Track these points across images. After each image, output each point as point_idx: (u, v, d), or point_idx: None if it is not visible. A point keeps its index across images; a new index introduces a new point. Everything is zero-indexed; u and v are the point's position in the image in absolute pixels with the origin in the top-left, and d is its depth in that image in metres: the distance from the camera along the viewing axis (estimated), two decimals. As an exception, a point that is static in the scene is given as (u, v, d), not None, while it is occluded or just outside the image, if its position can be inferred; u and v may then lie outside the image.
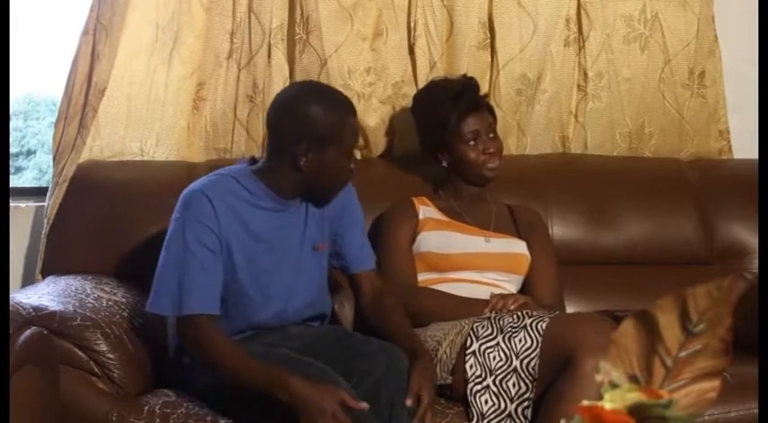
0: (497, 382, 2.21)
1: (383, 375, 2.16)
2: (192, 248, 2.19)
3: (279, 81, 2.94)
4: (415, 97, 2.89)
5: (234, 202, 2.26)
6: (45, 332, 2.13)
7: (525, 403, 2.18)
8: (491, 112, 2.77)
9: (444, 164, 2.73)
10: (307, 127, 2.25)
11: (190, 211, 2.22)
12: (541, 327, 2.22)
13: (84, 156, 2.88)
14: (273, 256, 2.31)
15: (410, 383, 2.17)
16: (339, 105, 2.31)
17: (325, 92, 2.42)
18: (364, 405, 2.05)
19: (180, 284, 2.19)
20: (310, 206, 2.38)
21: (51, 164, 2.95)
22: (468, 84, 2.76)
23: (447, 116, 2.67)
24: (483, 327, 2.29)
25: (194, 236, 2.20)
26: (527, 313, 2.30)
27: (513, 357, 2.21)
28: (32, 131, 4.81)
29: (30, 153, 4.79)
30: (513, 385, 2.19)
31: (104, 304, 2.39)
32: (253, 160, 2.40)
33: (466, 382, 2.23)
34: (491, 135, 2.71)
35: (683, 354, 0.95)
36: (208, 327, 2.19)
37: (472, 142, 2.67)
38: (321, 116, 2.25)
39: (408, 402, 2.14)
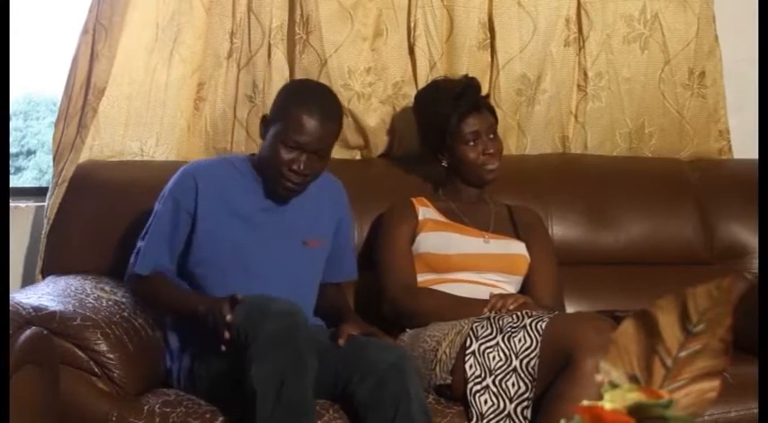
0: (497, 382, 2.21)
1: (386, 373, 2.16)
2: (160, 217, 2.39)
3: (279, 81, 2.94)
4: (417, 97, 2.89)
5: (224, 183, 2.41)
6: (45, 332, 2.13)
7: (525, 403, 2.17)
8: (492, 112, 2.77)
9: (444, 164, 2.73)
10: (275, 103, 2.44)
11: (175, 187, 2.40)
12: (541, 327, 2.22)
13: (85, 155, 2.88)
14: (255, 237, 2.39)
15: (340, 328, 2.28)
16: (308, 100, 2.36)
17: (308, 87, 2.55)
18: (241, 297, 2.14)
19: (139, 248, 2.39)
20: (303, 199, 2.43)
21: (51, 164, 2.95)
22: (470, 84, 2.76)
23: (447, 116, 2.67)
24: (482, 327, 2.29)
25: (166, 209, 2.39)
26: (527, 313, 2.30)
27: (513, 357, 2.21)
28: (32, 131, 4.82)
29: (30, 153, 4.79)
30: (513, 385, 2.19)
31: (104, 304, 2.39)
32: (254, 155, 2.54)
33: (465, 382, 2.23)
34: (491, 136, 2.71)
35: (683, 354, 0.95)
36: (149, 279, 2.38)
37: (472, 143, 2.67)
38: (286, 98, 2.40)
39: (341, 342, 2.23)
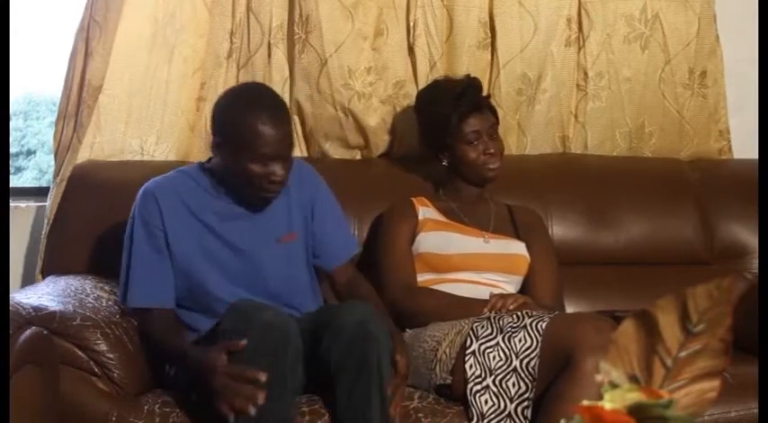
0: (497, 382, 2.21)
1: (353, 335, 2.14)
2: (137, 245, 2.33)
3: (279, 81, 2.94)
4: (418, 96, 2.89)
5: (184, 198, 2.35)
6: (45, 332, 2.13)
7: (525, 403, 2.17)
8: (493, 112, 2.77)
9: (445, 163, 2.73)
10: (222, 122, 2.31)
11: (140, 209, 2.35)
12: (541, 326, 2.22)
13: (85, 153, 2.89)
14: (228, 246, 2.36)
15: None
16: (260, 110, 2.25)
17: (255, 93, 2.38)
18: (243, 343, 2.06)
19: (127, 278, 2.34)
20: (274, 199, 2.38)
21: (52, 163, 2.96)
22: (471, 84, 2.76)
23: (448, 116, 2.67)
24: (483, 327, 2.29)
25: (139, 233, 2.34)
26: (527, 313, 2.29)
27: (513, 357, 2.21)
28: (32, 131, 4.82)
29: (30, 153, 4.80)
30: (513, 385, 2.19)
31: (104, 304, 2.39)
32: (210, 160, 2.46)
33: (466, 381, 2.23)
34: (492, 136, 2.71)
35: (683, 354, 0.95)
36: (154, 322, 2.31)
37: (473, 142, 2.67)
38: (234, 114, 2.27)
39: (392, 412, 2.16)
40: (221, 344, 2.10)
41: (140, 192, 2.37)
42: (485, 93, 2.85)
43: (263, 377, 2.02)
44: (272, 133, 2.23)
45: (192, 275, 2.35)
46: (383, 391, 2.13)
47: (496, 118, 2.77)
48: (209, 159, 2.44)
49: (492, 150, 2.68)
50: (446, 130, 2.68)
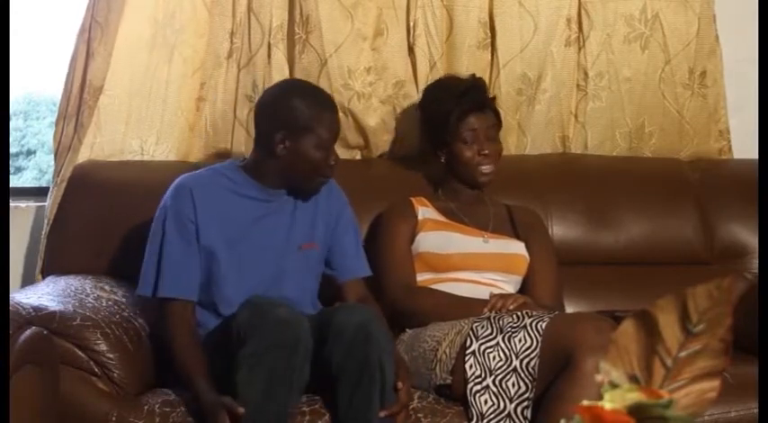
0: (497, 382, 2.21)
1: (353, 338, 2.14)
2: (170, 237, 2.35)
3: (279, 81, 2.94)
4: (423, 92, 2.89)
5: (219, 194, 2.39)
6: (45, 332, 2.13)
7: (525, 403, 2.17)
8: (496, 115, 2.76)
9: (443, 160, 2.74)
10: (284, 116, 2.38)
11: (172, 201, 2.37)
12: (541, 327, 2.22)
13: (85, 153, 2.88)
14: (253, 246, 2.39)
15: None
16: (318, 99, 2.43)
17: (306, 87, 2.55)
18: (241, 410, 2.06)
19: (158, 269, 2.35)
20: (300, 204, 2.45)
21: (52, 163, 2.96)
22: (476, 84, 2.76)
23: (449, 113, 2.67)
24: (483, 327, 2.29)
25: (173, 225, 2.35)
26: (527, 313, 2.29)
27: (513, 357, 2.21)
28: (32, 131, 4.82)
29: (30, 153, 4.79)
30: (513, 385, 2.19)
31: (104, 304, 2.39)
32: (243, 159, 2.51)
33: (465, 382, 2.23)
34: (490, 137, 2.70)
35: (683, 354, 0.95)
36: (177, 314, 2.32)
37: (470, 142, 2.67)
38: (299, 106, 2.38)
39: None
40: (227, 404, 2.08)
41: (174, 185, 2.40)
42: (492, 96, 2.84)
43: None
44: (333, 119, 2.42)
45: (212, 272, 2.37)
46: (385, 393, 2.13)
47: (499, 121, 2.76)
48: (243, 160, 2.50)
49: (486, 151, 2.67)
50: (445, 128, 2.68)
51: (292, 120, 2.37)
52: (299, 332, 2.11)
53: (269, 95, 2.50)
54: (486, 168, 2.68)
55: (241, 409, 2.05)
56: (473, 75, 2.84)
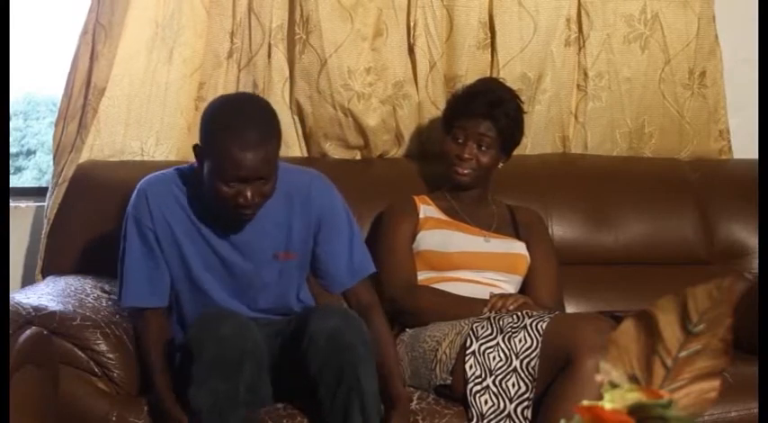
0: (497, 383, 2.21)
1: (326, 345, 2.10)
2: (129, 243, 2.29)
3: (279, 81, 2.94)
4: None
5: (181, 198, 2.28)
6: (45, 332, 2.14)
7: (525, 403, 2.17)
8: (497, 127, 2.66)
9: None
10: (201, 131, 2.20)
11: (132, 206, 2.30)
12: (541, 327, 2.22)
13: (85, 154, 2.88)
14: (221, 257, 2.29)
15: None
16: (232, 127, 2.12)
17: (233, 109, 2.19)
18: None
19: (121, 276, 2.30)
20: (267, 210, 2.23)
21: (51, 164, 2.96)
22: (490, 91, 2.71)
23: (456, 106, 2.70)
24: (483, 327, 2.29)
25: (132, 231, 2.28)
26: (527, 313, 2.30)
27: (513, 357, 2.21)
28: (32, 131, 4.82)
29: (30, 153, 4.79)
30: (513, 385, 2.19)
31: (104, 304, 2.39)
32: None
33: (465, 382, 2.23)
34: (480, 145, 2.64)
35: (683, 354, 0.95)
36: (141, 320, 2.30)
37: (458, 139, 2.67)
38: (208, 125, 2.17)
39: None
40: (174, 418, 2.13)
41: (136, 189, 2.31)
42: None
43: None
44: (248, 157, 2.08)
45: (191, 278, 2.30)
46: (365, 404, 2.07)
47: (498, 134, 2.66)
48: None
49: (466, 154, 2.64)
50: (448, 119, 2.72)
51: (203, 141, 2.17)
52: (243, 348, 2.06)
53: (209, 105, 2.26)
54: (460, 169, 2.66)
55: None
56: (502, 85, 2.78)
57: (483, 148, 2.65)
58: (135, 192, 2.31)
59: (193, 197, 2.28)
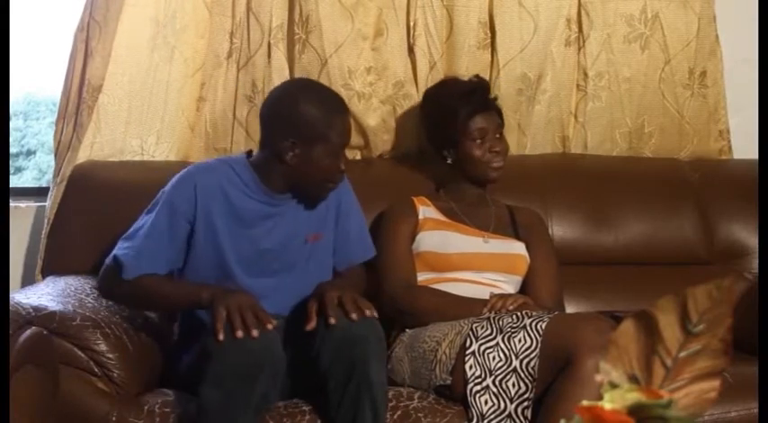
0: (497, 383, 2.21)
1: (342, 342, 2.13)
2: (156, 221, 2.31)
3: (278, 81, 2.93)
4: (426, 93, 2.89)
5: (226, 188, 2.34)
6: (45, 332, 2.13)
7: (525, 403, 2.17)
8: (500, 114, 2.78)
9: (449, 161, 2.73)
10: (294, 123, 2.31)
11: (174, 189, 2.34)
12: (541, 327, 2.22)
13: (85, 153, 2.88)
14: (257, 241, 2.36)
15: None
16: (329, 103, 2.35)
17: (316, 89, 2.46)
18: (274, 323, 2.10)
19: (133, 246, 2.31)
20: (304, 202, 2.41)
21: (52, 163, 2.96)
22: (480, 84, 2.79)
23: (457, 111, 2.68)
24: (482, 327, 2.29)
25: (163, 213, 2.32)
26: (526, 313, 2.29)
27: (513, 357, 2.21)
28: (32, 131, 4.82)
29: (30, 153, 4.80)
30: (513, 385, 2.19)
31: (104, 304, 2.39)
32: (250, 153, 2.46)
33: (465, 382, 2.23)
34: (498, 136, 2.72)
35: (683, 354, 0.95)
36: (139, 282, 2.30)
37: (479, 140, 2.68)
38: (309, 113, 2.31)
39: (308, 327, 2.17)
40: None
41: (181, 175, 2.37)
42: (494, 96, 2.85)
43: (270, 326, 2.07)
44: (345, 123, 2.35)
45: (222, 267, 2.34)
46: (375, 398, 2.10)
47: (502, 120, 2.78)
48: (249, 154, 2.44)
49: (497, 149, 2.70)
50: (454, 126, 2.69)
51: (304, 127, 2.30)
52: (264, 361, 2.07)
53: (277, 99, 2.40)
54: (496, 164, 2.70)
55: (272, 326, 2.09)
56: (477, 76, 2.85)
57: (498, 136, 2.72)
58: (182, 176, 2.36)
59: (239, 187, 2.35)
